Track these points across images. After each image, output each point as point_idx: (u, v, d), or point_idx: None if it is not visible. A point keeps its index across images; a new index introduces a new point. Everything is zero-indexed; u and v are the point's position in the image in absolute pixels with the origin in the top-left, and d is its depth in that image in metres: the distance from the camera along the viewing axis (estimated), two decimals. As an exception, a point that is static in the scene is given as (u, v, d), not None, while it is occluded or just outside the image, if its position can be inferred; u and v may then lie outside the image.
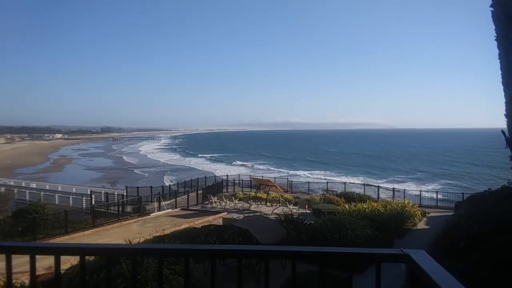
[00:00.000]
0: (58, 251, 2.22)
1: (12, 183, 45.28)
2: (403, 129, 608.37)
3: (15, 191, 37.06)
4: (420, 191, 32.78)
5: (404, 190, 32.98)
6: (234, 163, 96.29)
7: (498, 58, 14.36)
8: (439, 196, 31.18)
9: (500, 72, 14.59)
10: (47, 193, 37.28)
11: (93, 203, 29.61)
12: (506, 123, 15.36)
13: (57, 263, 2.15)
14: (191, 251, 2.35)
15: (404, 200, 26.83)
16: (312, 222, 18.79)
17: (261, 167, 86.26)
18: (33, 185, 43.75)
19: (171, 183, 37.41)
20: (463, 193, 28.25)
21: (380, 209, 22.23)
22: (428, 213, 26.06)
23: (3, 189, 38.38)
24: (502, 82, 14.57)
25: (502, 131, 13.95)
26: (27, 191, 38.67)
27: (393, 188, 33.27)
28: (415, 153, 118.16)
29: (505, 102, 14.77)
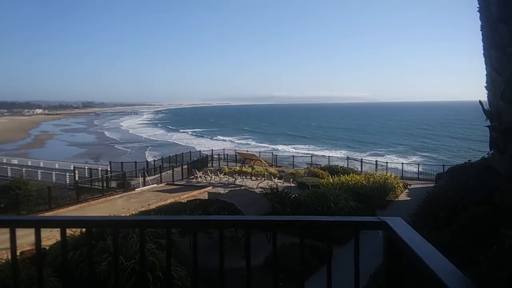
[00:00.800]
0: (38, 224, 2.20)
1: (-8, 160, 44.50)
2: (384, 103, 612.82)
3: (-4, 168, 36.45)
4: (402, 163, 33.40)
5: (387, 163, 33.52)
6: (217, 138, 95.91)
7: (480, 30, 14.40)
8: (420, 169, 31.82)
9: (482, 44, 14.66)
10: (29, 169, 36.76)
11: (76, 179, 29.37)
12: (486, 95, 15.56)
13: (38, 236, 2.13)
14: (172, 222, 2.39)
15: (387, 173, 27.31)
16: (297, 195, 19.03)
17: (244, 141, 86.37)
18: (15, 161, 43.05)
19: (155, 159, 37.20)
20: (443, 165, 28.83)
21: (363, 181, 22.61)
22: (410, 185, 26.64)
23: (-17, 166, 37.68)
24: (483, 54, 14.66)
25: (480, 102, 14.13)
26: (8, 167, 38.07)
27: (376, 161, 33.79)
28: (395, 126, 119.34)
29: (486, 74, 14.91)
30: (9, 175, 34.94)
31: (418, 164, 33.47)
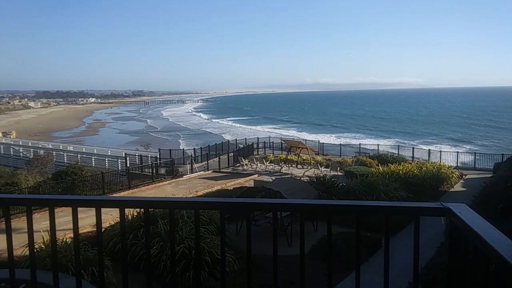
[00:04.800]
0: (99, 203, 2.32)
1: (50, 146, 46.97)
2: (437, 88, 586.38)
3: (54, 154, 38.38)
4: (457, 152, 31.75)
5: (440, 151, 31.99)
6: (263, 126, 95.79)
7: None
8: (477, 158, 30.13)
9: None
10: (84, 155, 38.47)
11: (128, 165, 30.34)
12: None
13: (99, 215, 2.24)
14: (227, 204, 2.48)
15: (440, 161, 26.12)
16: (344, 184, 18.65)
17: (289, 130, 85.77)
18: (70, 148, 45.23)
19: (202, 146, 37.73)
20: (502, 154, 27.18)
21: (415, 170, 21.78)
22: (465, 175, 25.35)
23: (42, 152, 39.78)
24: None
25: None
26: (65, 154, 40.00)
27: (429, 150, 32.39)
28: (449, 113, 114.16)
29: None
30: (65, 161, 36.75)
31: (475, 153, 31.65)
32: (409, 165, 23.59)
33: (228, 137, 60.62)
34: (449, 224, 1.90)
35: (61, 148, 45.64)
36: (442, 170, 22.45)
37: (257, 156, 34.56)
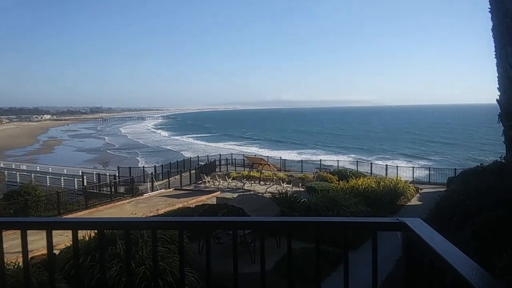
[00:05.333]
0: (50, 226, 2.19)
1: (1, 165, 44.76)
2: (391, 106, 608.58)
3: (5, 173, 36.66)
4: (413, 167, 32.97)
5: (397, 166, 33.10)
6: (224, 143, 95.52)
7: (492, 30, 14.22)
8: (432, 172, 31.39)
9: (493, 44, 14.48)
10: (38, 174, 36.94)
11: (85, 184, 29.40)
12: (498, 96, 15.33)
13: (49, 238, 2.12)
14: (186, 223, 2.40)
15: (397, 177, 27.00)
16: (306, 200, 18.86)
17: (251, 147, 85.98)
18: (24, 167, 43.29)
19: (163, 164, 37.18)
20: (455, 169, 28.42)
21: (373, 185, 22.36)
22: (421, 189, 26.31)
23: (-7, 171, 37.88)
24: (495, 55, 14.48)
25: (498, 101, 13.88)
26: (17, 173, 38.27)
27: (386, 165, 33.46)
28: (404, 130, 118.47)
29: (498, 76, 14.73)
30: (18, 180, 35.11)
31: (429, 167, 32.99)
32: (368, 180, 24.21)
33: (188, 154, 59.93)
34: (405, 238, 1.96)
35: (13, 167, 43.60)
36: (399, 185, 23.20)
37: (219, 173, 34.41)
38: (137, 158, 69.88)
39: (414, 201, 22.96)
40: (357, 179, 24.29)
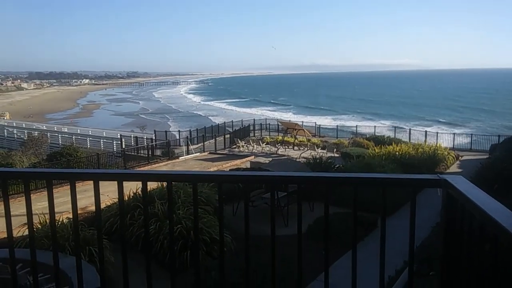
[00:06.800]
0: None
1: (44, 128, 46.67)
2: (436, 70, 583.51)
3: (48, 135, 38.14)
4: (454, 133, 31.79)
5: (437, 133, 31.96)
6: (257, 108, 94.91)
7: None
8: (474, 139, 30.16)
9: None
10: (79, 137, 38.32)
11: (123, 146, 30.22)
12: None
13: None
14: (224, 177, 2.48)
15: (437, 143, 26.17)
16: (341, 165, 18.67)
17: (286, 114, 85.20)
18: (65, 130, 44.99)
19: (198, 128, 37.61)
20: (499, 136, 27.26)
21: (411, 152, 21.83)
22: (461, 156, 25.45)
23: (36, 133, 39.48)
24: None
25: None
26: (59, 135, 39.81)
27: (425, 131, 32.43)
28: (446, 95, 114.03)
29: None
30: (60, 142, 36.55)
31: (471, 134, 31.70)
32: (406, 146, 23.62)
33: (220, 119, 60.09)
34: (445, 195, 1.89)
35: (55, 129, 45.38)
36: (438, 152, 22.52)
37: (253, 138, 34.48)
38: (168, 123, 70.95)
39: (454, 168, 22.30)
40: (395, 145, 23.74)
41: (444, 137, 30.65)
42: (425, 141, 28.68)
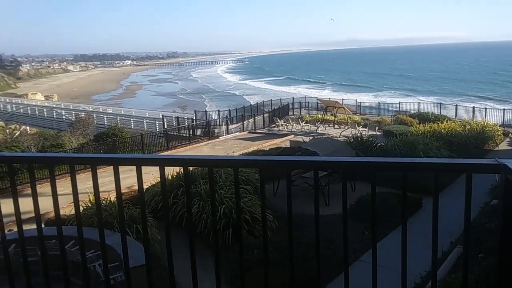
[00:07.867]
0: (139, 162, 2.28)
1: (90, 109, 48.40)
2: (480, 42, 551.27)
3: (94, 116, 39.54)
4: (504, 109, 30.12)
5: (485, 108, 30.40)
6: (295, 86, 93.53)
7: None
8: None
9: None
10: (123, 118, 39.44)
11: (165, 126, 30.90)
12: None
13: (139, 173, 2.20)
14: (265, 162, 2.37)
15: (485, 119, 24.97)
16: (383, 144, 18.24)
17: (325, 92, 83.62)
18: (110, 111, 46.41)
19: (237, 107, 37.74)
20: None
21: (458, 129, 20.99)
22: (511, 133, 24.22)
23: (83, 114, 41.02)
24: None
25: None
26: (105, 116, 41.14)
27: (473, 107, 30.93)
28: (486, 70, 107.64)
29: None
30: (105, 123, 37.84)
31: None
32: (452, 123, 22.72)
33: (256, 99, 59.81)
34: (504, 181, 1.75)
35: (101, 110, 46.92)
36: (487, 129, 21.52)
37: (292, 116, 34.25)
38: (204, 102, 71.45)
39: (503, 146, 21.30)
40: (440, 122, 22.89)
41: (492, 113, 29.14)
42: (473, 117, 27.38)
